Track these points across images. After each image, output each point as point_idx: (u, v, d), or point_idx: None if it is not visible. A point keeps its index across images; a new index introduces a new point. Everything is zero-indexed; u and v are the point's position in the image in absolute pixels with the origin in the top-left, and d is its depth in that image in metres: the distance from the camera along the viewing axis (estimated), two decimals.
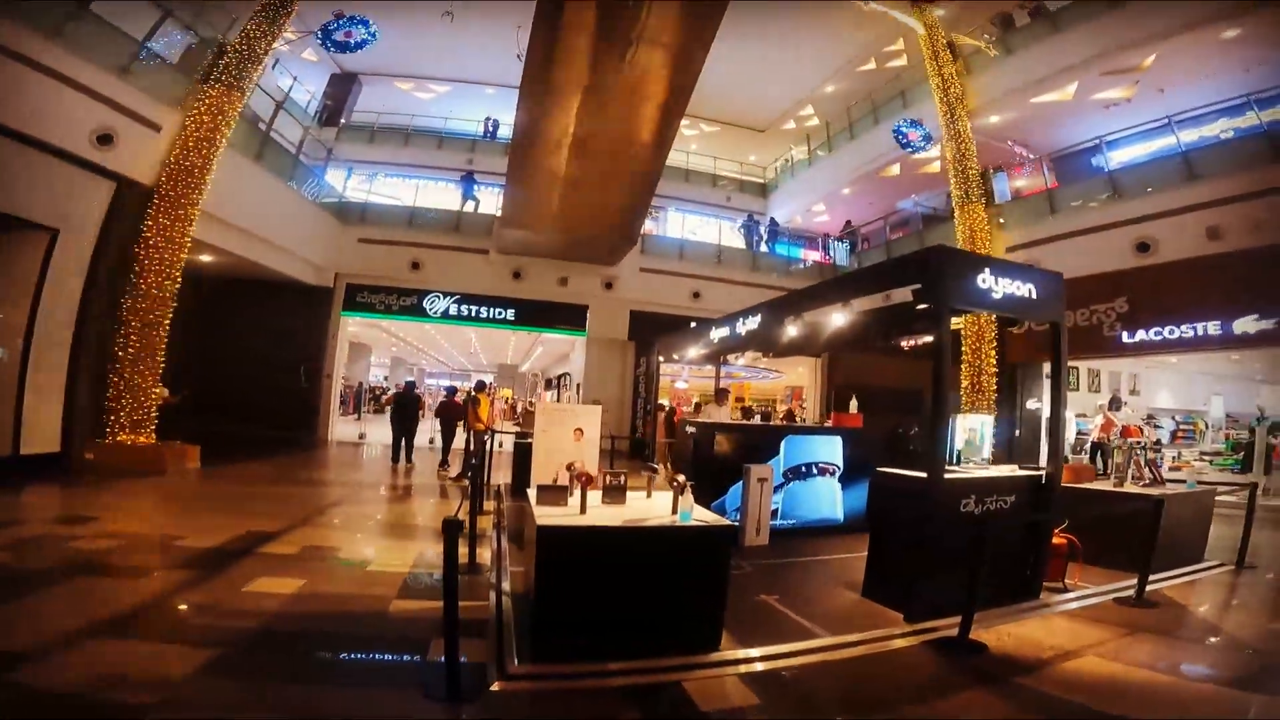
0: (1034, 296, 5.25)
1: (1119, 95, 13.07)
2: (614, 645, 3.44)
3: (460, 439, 11.45)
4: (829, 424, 8.42)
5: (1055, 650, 3.88)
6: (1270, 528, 8.01)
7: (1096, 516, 5.71)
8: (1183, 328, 10.81)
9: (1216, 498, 7.01)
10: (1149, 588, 4.99)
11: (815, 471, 7.40)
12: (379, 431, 16.70)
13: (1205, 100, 11.81)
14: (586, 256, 16.06)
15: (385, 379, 33.36)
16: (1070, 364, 12.02)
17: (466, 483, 8.51)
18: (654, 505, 4.25)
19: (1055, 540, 5.16)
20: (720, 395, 10.03)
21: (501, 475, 10.17)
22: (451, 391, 12.51)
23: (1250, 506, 6.40)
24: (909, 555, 4.51)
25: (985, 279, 4.98)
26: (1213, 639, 4.24)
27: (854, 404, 8.42)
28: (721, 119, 21.05)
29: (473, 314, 16.44)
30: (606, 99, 10.89)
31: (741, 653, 3.58)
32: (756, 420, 10.71)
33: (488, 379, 20.71)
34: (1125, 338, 11.50)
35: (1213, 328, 10.42)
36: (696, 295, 17.18)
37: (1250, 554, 6.25)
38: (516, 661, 3.32)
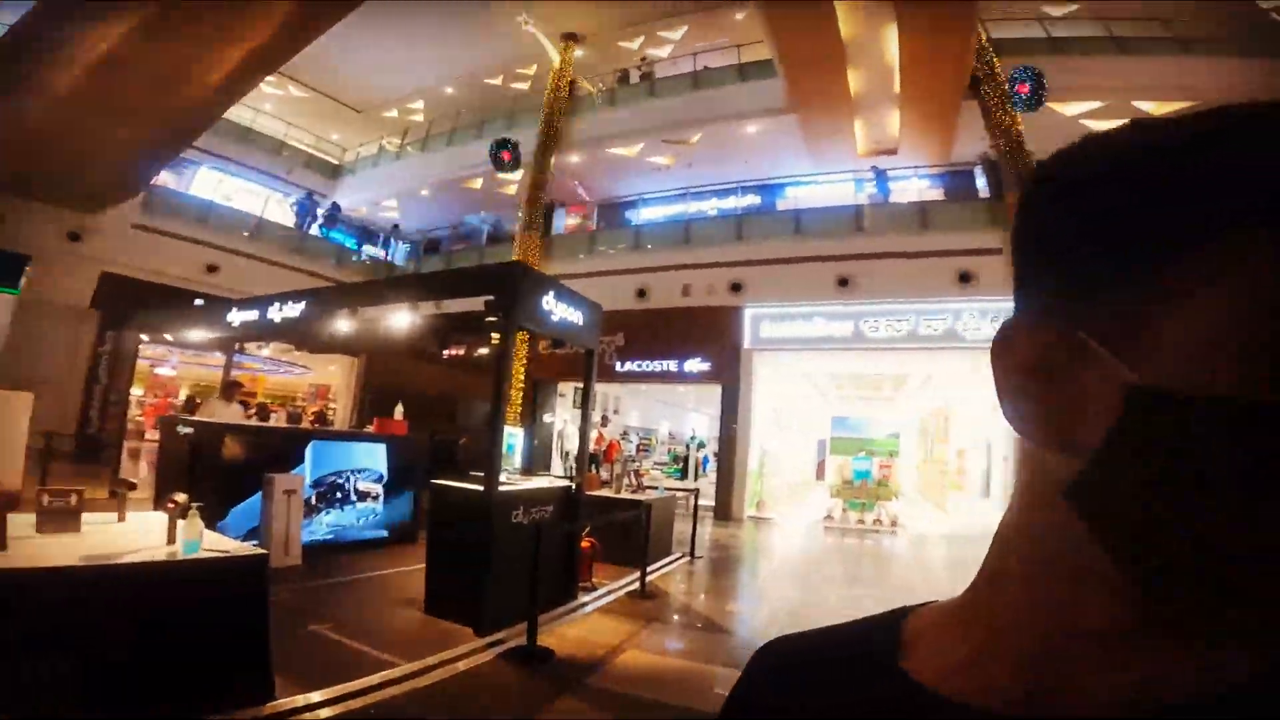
0: (580, 323, 5.85)
1: (665, 161, 16.04)
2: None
3: None
4: (371, 429, 7.70)
5: (605, 648, 4.25)
6: (702, 523, 10.69)
7: (603, 520, 6.62)
8: (655, 362, 13.89)
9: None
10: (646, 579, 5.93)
11: (353, 482, 6.63)
12: None
13: (710, 181, 15.39)
14: (49, 195, 11.21)
15: None
16: (574, 384, 14.02)
17: None
18: (131, 532, 3.12)
19: (583, 544, 5.75)
20: (230, 389, 8.09)
21: None
22: None
23: (695, 508, 8.46)
24: (471, 568, 4.41)
25: (549, 301, 5.32)
26: (698, 624, 5.30)
27: (399, 410, 7.90)
28: (318, 87, 17.82)
29: None
30: (185, 28, 8.11)
31: (305, 698, 2.94)
32: (280, 421, 9.06)
33: None
34: (619, 366, 14.07)
35: (673, 365, 13.70)
36: (213, 269, 13.82)
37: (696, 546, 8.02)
38: None
